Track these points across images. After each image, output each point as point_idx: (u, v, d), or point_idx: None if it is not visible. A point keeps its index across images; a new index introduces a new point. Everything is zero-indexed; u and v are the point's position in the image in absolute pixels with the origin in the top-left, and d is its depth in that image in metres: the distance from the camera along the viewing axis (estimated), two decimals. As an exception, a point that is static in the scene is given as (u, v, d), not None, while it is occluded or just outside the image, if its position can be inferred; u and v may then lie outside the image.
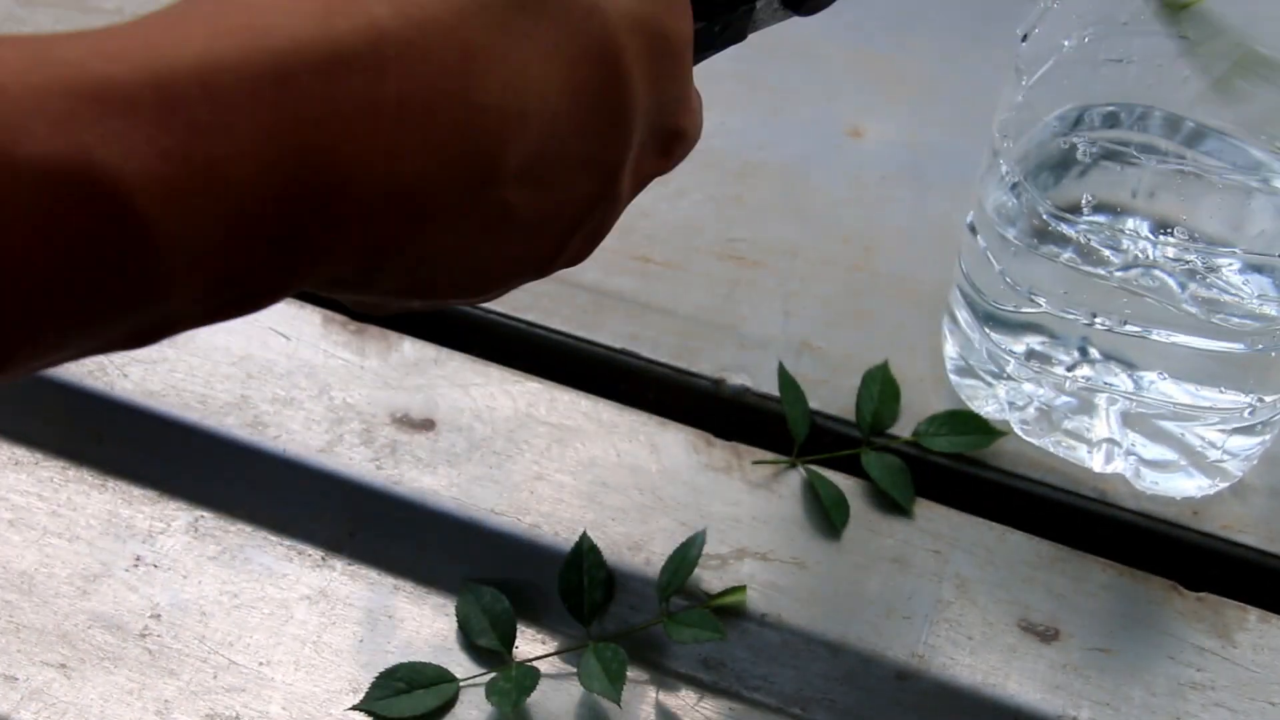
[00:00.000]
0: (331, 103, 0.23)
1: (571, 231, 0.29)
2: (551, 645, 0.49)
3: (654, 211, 0.63)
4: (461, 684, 0.47)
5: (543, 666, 0.48)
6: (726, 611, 0.48)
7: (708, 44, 0.35)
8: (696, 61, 0.34)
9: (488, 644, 0.48)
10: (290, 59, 0.23)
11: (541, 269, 0.30)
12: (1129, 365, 0.48)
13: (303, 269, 0.25)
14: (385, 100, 0.23)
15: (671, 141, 0.30)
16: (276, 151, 0.23)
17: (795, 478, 0.52)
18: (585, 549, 0.48)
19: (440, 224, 0.26)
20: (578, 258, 0.31)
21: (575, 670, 0.47)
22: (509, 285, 0.30)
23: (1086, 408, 0.50)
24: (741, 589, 0.48)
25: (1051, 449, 0.52)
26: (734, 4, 0.35)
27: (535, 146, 0.26)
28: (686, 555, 0.48)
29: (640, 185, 0.31)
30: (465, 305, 0.31)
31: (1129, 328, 0.47)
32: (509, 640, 0.48)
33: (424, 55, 0.24)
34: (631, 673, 0.47)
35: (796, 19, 0.38)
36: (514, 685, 0.46)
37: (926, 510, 0.51)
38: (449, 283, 0.28)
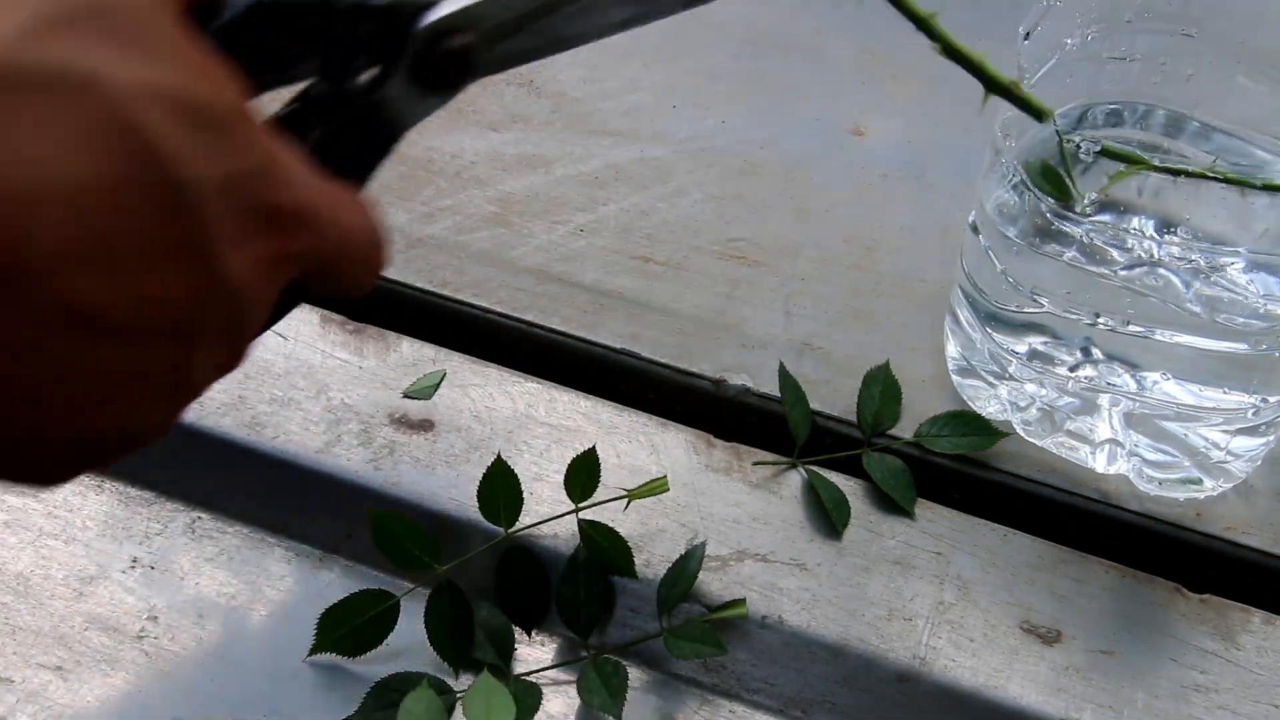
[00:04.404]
0: None
1: (188, 333, 0.27)
2: (551, 650, 0.49)
3: (654, 211, 0.63)
4: (458, 695, 0.46)
5: (541, 678, 0.47)
6: (726, 620, 0.47)
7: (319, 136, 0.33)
8: (350, 164, 0.33)
9: (484, 657, 0.47)
10: None
11: (178, 383, 0.27)
12: (1132, 366, 0.48)
13: None
14: None
15: (279, 218, 0.28)
16: None
17: (796, 479, 0.51)
18: (580, 561, 0.48)
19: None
20: (227, 363, 0.29)
21: (574, 679, 0.47)
22: (152, 415, 0.28)
23: (1089, 408, 0.50)
24: (741, 602, 0.47)
25: (1054, 450, 0.52)
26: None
27: (71, 232, 0.24)
28: (686, 568, 0.47)
29: (275, 270, 0.29)
30: (126, 448, 0.28)
31: (1132, 328, 0.47)
32: (507, 654, 0.48)
33: None
34: (631, 674, 0.47)
35: None
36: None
37: (928, 511, 0.51)
38: (69, 418, 0.26)
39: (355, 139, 0.34)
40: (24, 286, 0.24)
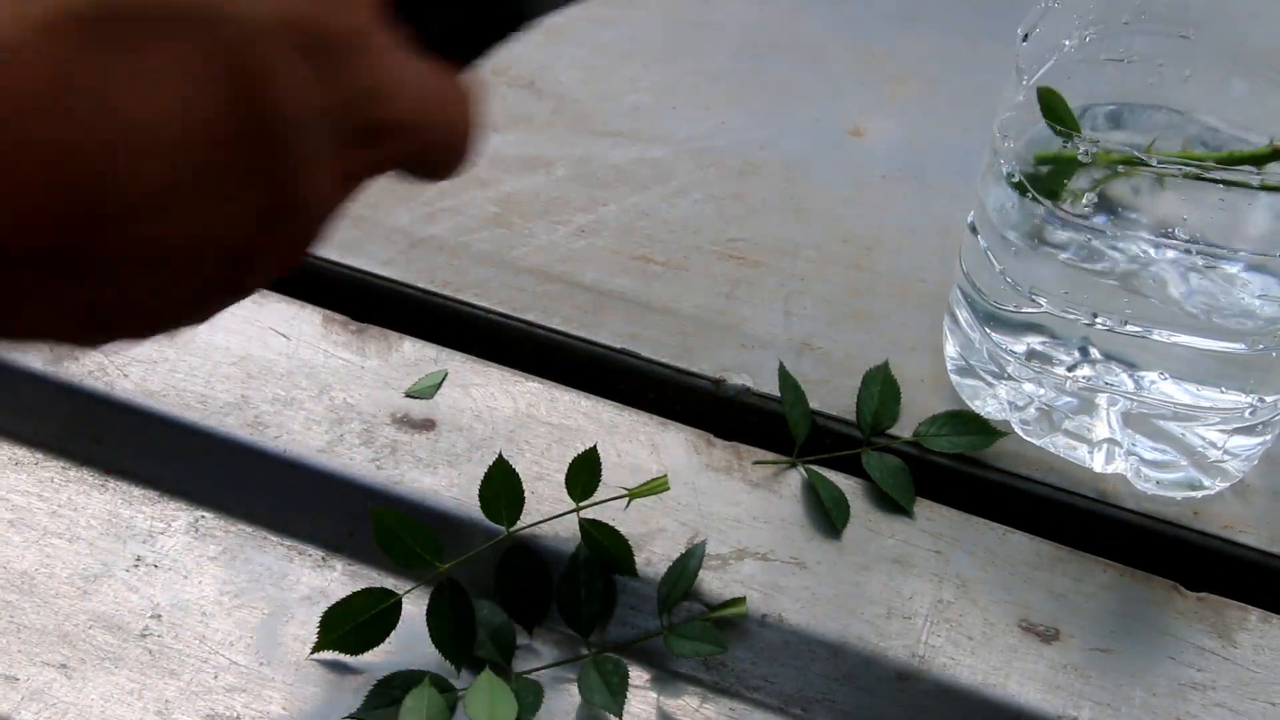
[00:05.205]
0: None
1: (254, 253, 0.27)
2: (552, 648, 0.49)
3: (654, 211, 0.63)
4: (459, 693, 0.47)
5: (542, 676, 0.48)
6: (726, 619, 0.48)
7: (461, 33, 0.31)
8: (470, 49, 0.31)
9: (485, 656, 0.48)
10: None
11: (233, 291, 0.28)
12: (1130, 365, 0.48)
13: None
14: None
15: (375, 132, 0.27)
16: None
17: (796, 478, 0.52)
18: (580, 560, 0.48)
19: (60, 271, 0.24)
20: (284, 268, 0.29)
21: (575, 677, 0.47)
22: (204, 314, 0.28)
23: (1087, 408, 0.50)
24: (741, 600, 0.48)
25: (1052, 449, 0.52)
26: None
27: (163, 174, 0.24)
28: (686, 567, 0.48)
29: (358, 179, 0.29)
30: (171, 333, 0.29)
31: (1130, 328, 0.47)
32: (508, 653, 0.48)
33: None
34: (632, 672, 0.47)
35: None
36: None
37: (927, 510, 0.51)
38: (132, 325, 0.27)
39: (480, 25, 0.32)
40: (100, 227, 0.23)
